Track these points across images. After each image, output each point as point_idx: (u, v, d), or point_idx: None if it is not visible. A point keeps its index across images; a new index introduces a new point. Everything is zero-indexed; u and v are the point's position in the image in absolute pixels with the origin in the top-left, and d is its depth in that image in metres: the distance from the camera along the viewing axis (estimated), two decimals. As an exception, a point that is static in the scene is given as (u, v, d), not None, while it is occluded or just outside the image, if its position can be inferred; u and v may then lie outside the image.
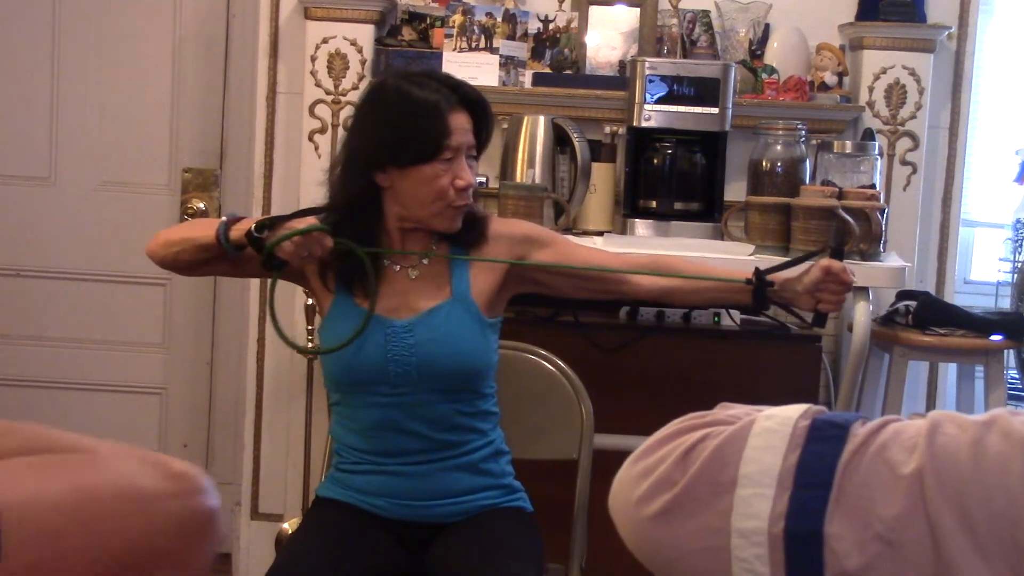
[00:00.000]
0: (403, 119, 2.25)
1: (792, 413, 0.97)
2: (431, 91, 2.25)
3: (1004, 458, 0.88)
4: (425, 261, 2.34)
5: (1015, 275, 3.57)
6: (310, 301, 3.10)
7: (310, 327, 3.23)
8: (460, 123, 2.25)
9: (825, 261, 2.26)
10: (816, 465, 0.92)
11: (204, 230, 2.25)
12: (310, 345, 3.16)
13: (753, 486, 0.93)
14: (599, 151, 3.32)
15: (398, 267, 2.33)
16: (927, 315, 3.20)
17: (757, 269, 2.33)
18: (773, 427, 0.96)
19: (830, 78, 3.44)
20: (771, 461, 0.94)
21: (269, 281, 2.29)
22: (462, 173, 2.24)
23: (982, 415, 0.93)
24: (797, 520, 0.91)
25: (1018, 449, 0.88)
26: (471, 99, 2.29)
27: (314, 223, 2.16)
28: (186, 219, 3.82)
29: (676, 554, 0.97)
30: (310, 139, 3.48)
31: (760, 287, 2.30)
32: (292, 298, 3.29)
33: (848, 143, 3.33)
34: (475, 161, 2.30)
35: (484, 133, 2.32)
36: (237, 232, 2.19)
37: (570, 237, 3.13)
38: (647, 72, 3.21)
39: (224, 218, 2.24)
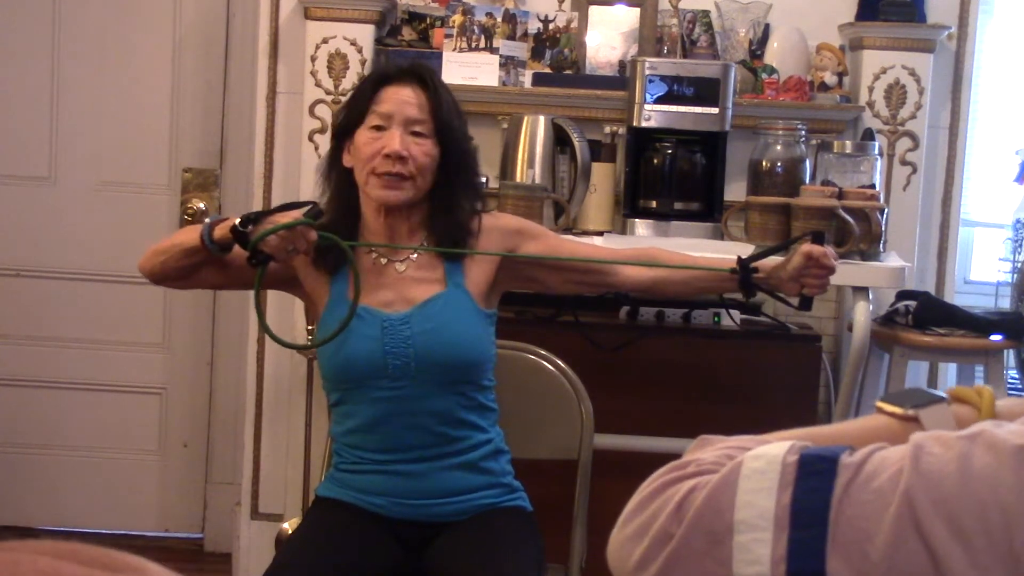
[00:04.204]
0: (352, 93, 2.39)
1: (778, 451, 0.95)
2: (386, 69, 2.34)
3: (992, 470, 0.88)
4: (413, 256, 2.34)
5: (1015, 275, 3.57)
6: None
7: (310, 327, 3.22)
8: (399, 95, 2.27)
9: (806, 247, 2.27)
10: (810, 503, 0.91)
11: (189, 234, 2.23)
12: (309, 340, 3.14)
13: (750, 531, 0.92)
14: (599, 151, 3.32)
15: (385, 260, 2.34)
16: (927, 315, 3.20)
17: (739, 258, 2.35)
18: (762, 467, 0.94)
19: (830, 78, 3.44)
20: (765, 503, 0.92)
21: (256, 279, 2.24)
22: (389, 140, 2.25)
23: (965, 431, 0.93)
24: (798, 562, 0.90)
25: (1006, 460, 0.88)
26: (418, 75, 2.30)
27: (298, 217, 2.12)
28: (186, 219, 3.83)
29: None
30: (310, 139, 3.48)
31: (745, 275, 2.32)
32: (292, 299, 3.28)
33: (848, 143, 3.33)
34: (424, 138, 2.28)
35: (440, 112, 2.28)
36: (221, 230, 2.16)
37: (569, 237, 3.14)
38: (647, 72, 3.21)
39: (208, 220, 2.21)
